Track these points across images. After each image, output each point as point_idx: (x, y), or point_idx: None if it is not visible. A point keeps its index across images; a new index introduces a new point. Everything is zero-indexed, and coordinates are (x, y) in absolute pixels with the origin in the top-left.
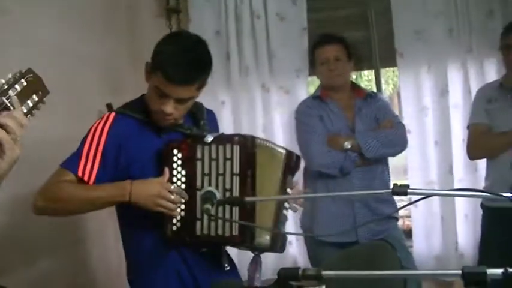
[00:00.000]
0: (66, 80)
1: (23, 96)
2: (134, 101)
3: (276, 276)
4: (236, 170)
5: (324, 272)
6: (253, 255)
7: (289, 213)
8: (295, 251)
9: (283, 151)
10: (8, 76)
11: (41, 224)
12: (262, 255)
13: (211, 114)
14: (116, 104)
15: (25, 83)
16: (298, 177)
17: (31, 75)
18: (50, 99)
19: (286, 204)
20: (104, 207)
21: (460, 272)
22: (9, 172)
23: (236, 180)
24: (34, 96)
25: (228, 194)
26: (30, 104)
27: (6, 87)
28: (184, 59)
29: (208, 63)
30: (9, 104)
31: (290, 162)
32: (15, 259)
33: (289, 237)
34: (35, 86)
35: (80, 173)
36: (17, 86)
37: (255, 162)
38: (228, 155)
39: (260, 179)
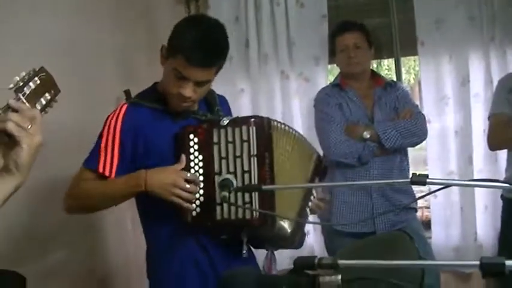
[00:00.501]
0: (82, 69)
1: (37, 94)
2: (146, 90)
3: (292, 266)
4: (253, 151)
5: (340, 261)
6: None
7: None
8: (312, 241)
9: (316, 153)
10: (22, 74)
11: (58, 213)
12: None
13: (222, 99)
14: (134, 92)
15: (38, 81)
16: None
17: (44, 73)
18: (68, 89)
19: (310, 203)
20: (125, 200)
21: (478, 262)
22: (33, 161)
23: (254, 161)
24: (47, 95)
25: (246, 176)
26: (44, 102)
27: (21, 84)
28: (205, 42)
29: (227, 47)
30: (25, 101)
31: (320, 166)
32: (33, 249)
33: (307, 227)
34: (48, 84)
35: (100, 169)
36: (31, 83)
37: (272, 143)
38: (245, 137)
39: (280, 162)
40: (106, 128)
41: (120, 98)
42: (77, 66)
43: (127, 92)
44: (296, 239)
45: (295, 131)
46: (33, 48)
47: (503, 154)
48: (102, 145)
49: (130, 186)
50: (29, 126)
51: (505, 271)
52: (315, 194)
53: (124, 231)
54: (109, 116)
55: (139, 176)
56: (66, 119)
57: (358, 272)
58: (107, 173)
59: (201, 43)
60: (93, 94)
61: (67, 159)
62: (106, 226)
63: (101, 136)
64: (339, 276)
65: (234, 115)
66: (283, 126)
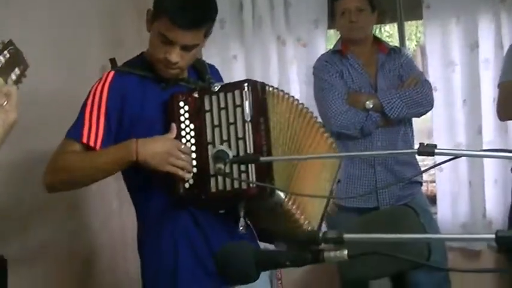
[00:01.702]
0: (67, 33)
1: (7, 68)
2: (133, 59)
3: None
4: (247, 116)
5: (346, 236)
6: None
7: None
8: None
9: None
10: None
11: (39, 192)
12: None
13: (213, 69)
14: (119, 58)
15: (8, 55)
16: None
17: (12, 47)
18: (51, 57)
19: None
20: (114, 172)
21: (493, 236)
22: (6, 137)
23: (248, 127)
24: (17, 70)
25: (241, 143)
26: (14, 77)
27: None
28: (191, 2)
29: (215, 7)
30: None
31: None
32: (13, 230)
33: None
34: (17, 58)
35: (85, 140)
36: (1, 57)
37: (267, 109)
38: (238, 102)
39: (278, 128)
40: (91, 96)
41: (105, 66)
42: (61, 30)
43: (112, 61)
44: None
45: (296, 100)
46: (15, 15)
47: None
48: (87, 114)
49: (120, 156)
50: (5, 103)
51: None
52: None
53: (108, 210)
54: (94, 84)
55: (129, 146)
56: (48, 89)
57: (362, 247)
58: (91, 143)
59: (186, 3)
60: (77, 62)
61: (48, 132)
62: (90, 206)
63: (85, 105)
64: (345, 251)
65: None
66: (280, 92)
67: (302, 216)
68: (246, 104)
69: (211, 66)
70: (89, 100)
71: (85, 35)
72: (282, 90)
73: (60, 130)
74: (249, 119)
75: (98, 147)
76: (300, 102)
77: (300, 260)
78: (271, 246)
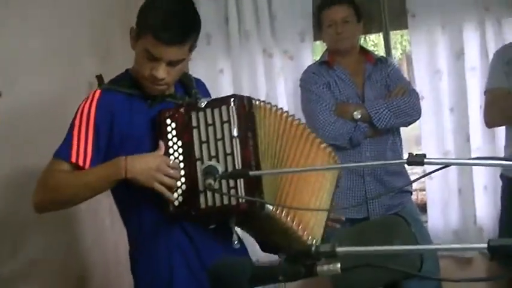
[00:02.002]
0: (55, 47)
1: None
2: (119, 76)
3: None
4: (235, 132)
5: (339, 249)
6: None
7: None
8: None
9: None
10: None
11: (30, 205)
12: None
13: (200, 83)
14: (107, 72)
15: None
16: None
17: None
18: (40, 66)
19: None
20: (104, 190)
21: (485, 245)
22: None
23: (236, 143)
24: None
25: (229, 158)
26: None
27: None
28: (174, 18)
29: (198, 22)
30: None
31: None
32: (4, 246)
33: None
34: None
35: (73, 159)
36: None
37: (255, 123)
38: (225, 118)
39: (266, 142)
40: (78, 115)
41: (91, 83)
42: (48, 47)
43: (99, 78)
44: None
45: (286, 112)
46: (4, 26)
47: (501, 131)
48: (75, 133)
49: (109, 174)
50: None
51: None
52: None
53: (101, 227)
54: (81, 103)
55: (118, 163)
56: (40, 103)
57: (355, 259)
58: (80, 163)
59: (169, 19)
60: (65, 74)
61: (37, 149)
62: (83, 223)
63: (73, 124)
64: (338, 265)
65: (214, 97)
66: (268, 105)
67: (300, 227)
68: (233, 120)
69: (198, 80)
70: (76, 119)
71: (74, 49)
72: (270, 103)
73: (53, 145)
74: (236, 135)
75: (86, 166)
76: (291, 114)
77: (293, 275)
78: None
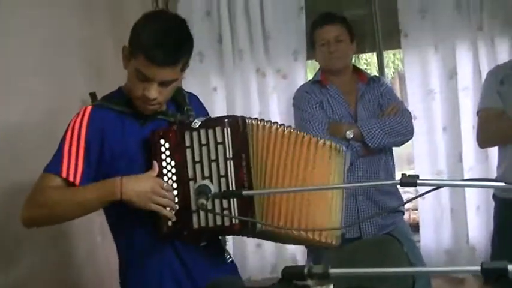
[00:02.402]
0: (47, 64)
1: None
2: (111, 94)
3: (274, 274)
4: (229, 154)
5: (332, 270)
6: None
7: None
8: (294, 248)
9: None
10: None
11: (20, 223)
12: (260, 249)
13: (193, 97)
14: (100, 90)
15: None
16: None
17: None
18: (31, 85)
19: None
20: (97, 209)
21: (478, 268)
22: None
23: (230, 164)
24: None
25: (223, 180)
26: None
27: None
28: (166, 39)
29: (191, 42)
30: None
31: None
32: None
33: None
34: None
35: (64, 174)
36: None
37: (248, 143)
38: (219, 139)
39: (258, 161)
40: (69, 130)
41: (84, 101)
42: (41, 61)
43: (93, 95)
44: None
45: (277, 124)
46: None
47: (494, 151)
48: (66, 149)
49: (103, 195)
50: None
51: (508, 276)
52: None
53: (93, 239)
54: (72, 119)
55: (114, 184)
56: (26, 121)
57: (347, 280)
58: (70, 178)
59: (161, 39)
60: (56, 93)
61: (29, 165)
62: (74, 239)
63: (64, 139)
64: (331, 286)
65: (208, 116)
66: (260, 122)
67: (314, 234)
68: (228, 142)
69: (191, 95)
70: (67, 134)
71: (67, 67)
72: (263, 120)
73: (44, 162)
74: (231, 157)
75: (77, 181)
76: (285, 126)
77: None
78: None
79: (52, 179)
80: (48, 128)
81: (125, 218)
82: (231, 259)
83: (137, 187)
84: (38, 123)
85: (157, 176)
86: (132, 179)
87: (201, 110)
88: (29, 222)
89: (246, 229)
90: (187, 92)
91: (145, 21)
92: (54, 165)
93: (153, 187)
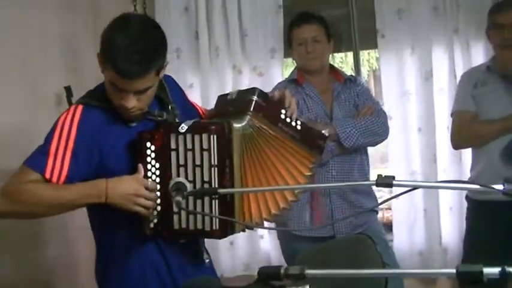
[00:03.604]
0: (22, 58)
1: None
2: (96, 90)
3: (247, 271)
4: (214, 161)
5: (308, 271)
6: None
7: None
8: (268, 246)
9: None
10: None
11: None
12: (233, 247)
13: (170, 81)
14: (75, 85)
15: None
16: None
17: None
18: (5, 79)
19: None
20: (78, 208)
21: (454, 271)
22: None
23: (214, 171)
24: None
25: (206, 186)
26: None
27: None
28: (133, 50)
29: (163, 47)
30: None
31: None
32: None
33: (261, 231)
34: None
35: (47, 176)
36: None
37: (232, 148)
38: (205, 146)
39: (238, 164)
40: (58, 129)
41: (59, 95)
42: (16, 55)
43: (67, 89)
44: None
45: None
46: None
47: (468, 152)
48: (53, 147)
49: (88, 196)
50: None
51: (483, 279)
52: None
53: (68, 236)
54: (61, 116)
55: (99, 187)
56: (1, 117)
57: (321, 279)
58: (54, 180)
59: (129, 53)
60: (31, 88)
61: (4, 160)
62: (49, 238)
63: (51, 137)
64: (307, 287)
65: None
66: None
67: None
68: (213, 149)
69: (168, 79)
70: (55, 133)
71: (43, 61)
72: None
73: (21, 156)
74: (215, 164)
75: (60, 183)
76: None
77: None
78: None
79: (33, 174)
80: (23, 122)
81: (109, 216)
82: (208, 260)
83: (121, 190)
84: (12, 117)
85: (143, 177)
86: (117, 182)
87: (179, 94)
88: (3, 215)
89: (226, 234)
90: (165, 76)
91: (114, 30)
92: (38, 163)
93: (137, 189)
